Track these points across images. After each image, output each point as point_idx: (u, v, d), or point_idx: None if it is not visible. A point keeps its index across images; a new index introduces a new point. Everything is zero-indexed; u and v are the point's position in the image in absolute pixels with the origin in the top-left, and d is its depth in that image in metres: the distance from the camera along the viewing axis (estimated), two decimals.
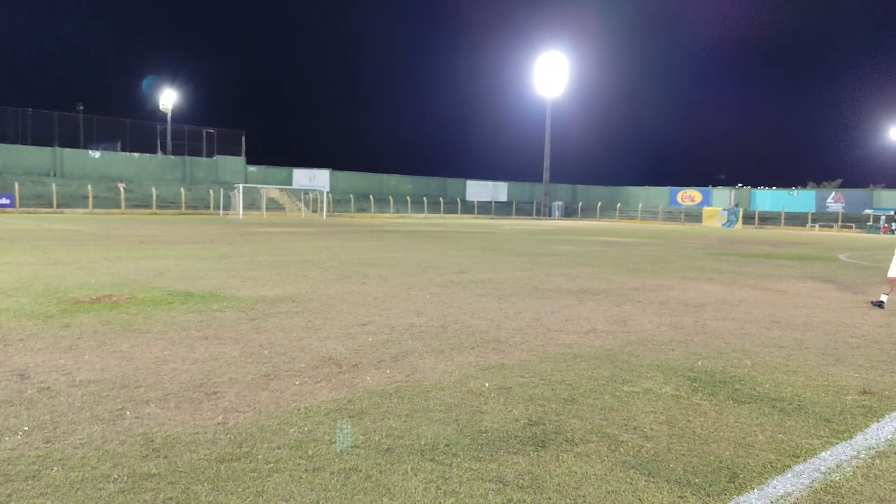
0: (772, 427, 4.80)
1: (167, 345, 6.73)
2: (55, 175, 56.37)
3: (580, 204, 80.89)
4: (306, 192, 63.95)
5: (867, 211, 65.69)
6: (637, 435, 4.54)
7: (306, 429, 4.47)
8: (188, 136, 65.95)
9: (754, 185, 78.85)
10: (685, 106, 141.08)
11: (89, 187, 52.30)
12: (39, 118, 58.89)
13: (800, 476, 3.96)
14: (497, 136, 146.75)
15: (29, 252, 16.13)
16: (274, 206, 61.04)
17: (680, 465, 4.07)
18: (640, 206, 77.71)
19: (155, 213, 50.76)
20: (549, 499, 3.56)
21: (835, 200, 69.45)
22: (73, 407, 4.77)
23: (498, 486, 3.67)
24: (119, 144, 63.14)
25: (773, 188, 77.33)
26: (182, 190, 57.52)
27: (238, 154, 67.03)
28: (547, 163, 78.70)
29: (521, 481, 3.75)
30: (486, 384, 5.64)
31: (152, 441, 4.18)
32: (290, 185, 66.73)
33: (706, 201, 77.81)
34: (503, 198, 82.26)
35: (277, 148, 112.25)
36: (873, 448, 4.46)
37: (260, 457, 3.98)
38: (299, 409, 4.86)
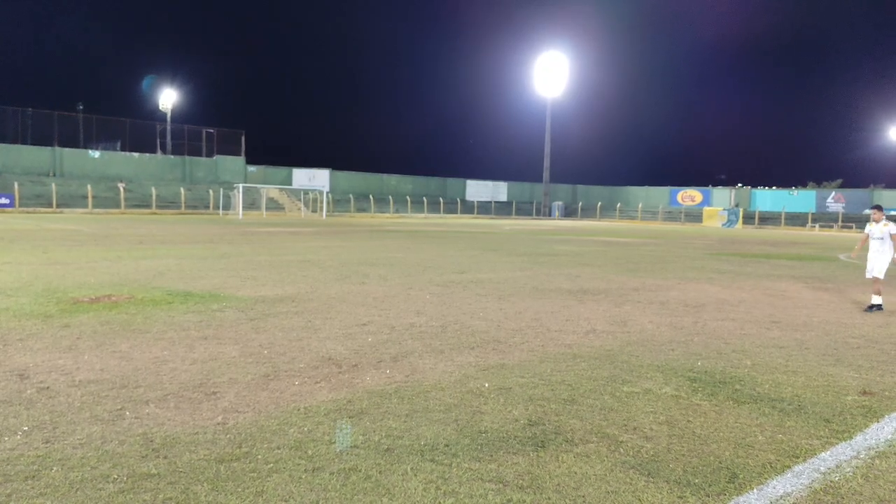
0: (772, 427, 4.80)
1: (167, 345, 6.73)
2: (55, 175, 56.36)
3: (580, 204, 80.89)
4: (306, 191, 63.94)
5: (867, 211, 65.64)
6: (637, 435, 4.54)
7: (306, 429, 4.47)
8: (188, 136, 65.94)
9: (754, 185, 78.90)
10: (685, 106, 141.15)
11: (89, 187, 52.30)
12: (39, 118, 58.90)
13: (799, 476, 3.96)
14: (497, 136, 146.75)
15: (28, 252, 16.13)
16: (274, 205, 61.04)
17: (680, 465, 4.06)
18: (640, 206, 77.70)
19: (155, 213, 50.76)
20: (549, 499, 3.56)
21: (835, 200, 69.45)
22: (72, 407, 4.77)
23: (498, 487, 3.67)
24: (119, 144, 63.12)
25: (774, 188, 77.34)
26: (182, 190, 57.52)
27: (238, 154, 67.01)
28: (547, 163, 78.74)
29: (520, 481, 3.75)
30: (486, 384, 5.63)
31: (152, 441, 4.18)
32: (290, 184, 66.71)
33: (706, 201, 77.81)
34: (503, 198, 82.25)
35: (277, 148, 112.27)
36: (873, 448, 4.46)
37: (260, 457, 3.98)
38: (299, 410, 4.86)
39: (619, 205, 79.94)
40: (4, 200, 47.60)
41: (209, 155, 66.27)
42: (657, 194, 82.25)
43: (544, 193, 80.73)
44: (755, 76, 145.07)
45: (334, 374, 5.86)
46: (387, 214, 65.18)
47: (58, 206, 49.71)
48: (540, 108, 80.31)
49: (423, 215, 67.29)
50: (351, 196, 67.38)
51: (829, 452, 4.36)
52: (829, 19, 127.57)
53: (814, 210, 69.04)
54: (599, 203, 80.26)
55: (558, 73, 75.15)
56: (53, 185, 51.75)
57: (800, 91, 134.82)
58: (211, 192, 58.55)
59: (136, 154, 62.32)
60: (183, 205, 55.97)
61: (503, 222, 55.79)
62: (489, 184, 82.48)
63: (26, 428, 4.34)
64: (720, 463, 4.12)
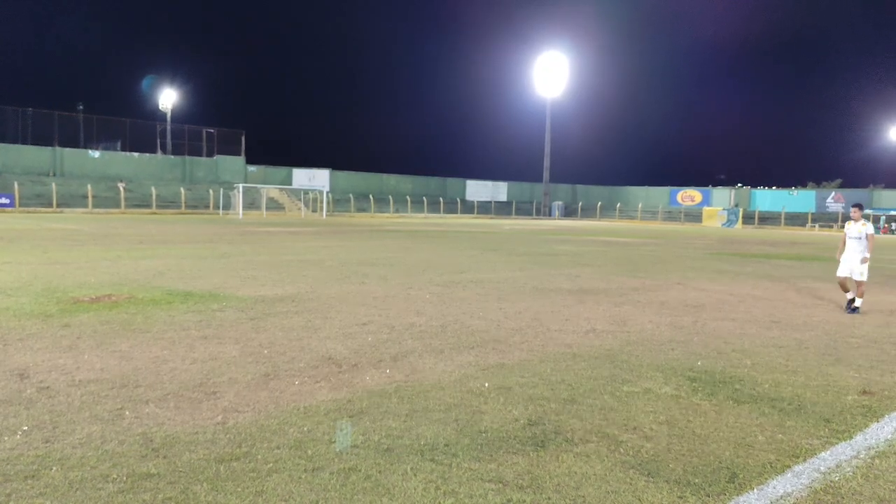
0: (771, 427, 4.80)
1: (167, 344, 6.73)
2: (55, 175, 56.32)
3: (580, 204, 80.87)
4: (306, 191, 63.92)
5: (867, 211, 65.69)
6: (637, 435, 4.54)
7: (306, 429, 4.47)
8: (188, 136, 65.91)
9: (754, 185, 78.88)
10: (685, 106, 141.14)
11: (89, 187, 52.28)
12: (39, 118, 58.86)
13: (799, 476, 3.96)
14: (497, 136, 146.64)
15: (29, 252, 16.12)
16: (274, 205, 61.02)
17: (680, 465, 4.06)
18: (639, 206, 77.69)
19: (155, 213, 50.75)
20: (549, 499, 3.56)
21: (835, 200, 69.41)
22: (72, 407, 4.77)
23: (498, 486, 3.67)
24: (119, 144, 63.08)
25: (773, 188, 77.33)
26: (182, 190, 57.50)
27: (238, 154, 66.98)
28: (547, 163, 78.74)
29: (520, 481, 3.75)
30: (486, 384, 5.63)
31: (151, 441, 4.17)
32: (290, 184, 66.68)
33: (706, 201, 77.79)
34: (503, 198, 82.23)
35: (277, 148, 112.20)
36: (873, 448, 4.46)
37: (259, 457, 3.98)
38: (299, 409, 4.86)
39: (618, 205, 79.92)
40: (4, 200, 47.59)
41: (209, 155, 66.25)
42: (657, 194, 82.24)
43: (544, 193, 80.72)
44: (755, 76, 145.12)
45: (334, 373, 5.86)
46: (387, 214, 65.17)
47: (58, 205, 49.70)
48: (540, 108, 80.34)
49: (423, 215, 67.28)
50: (351, 196, 67.36)
51: (829, 452, 4.36)
52: (829, 19, 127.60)
53: (813, 210, 69.03)
54: (599, 203, 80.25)
55: (558, 73, 75.14)
56: (53, 184, 51.74)
57: (800, 91, 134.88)
58: (211, 191, 58.54)
59: (136, 154, 62.30)
60: (183, 205, 55.96)
61: (503, 222, 55.78)
62: (489, 184, 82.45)
63: (26, 428, 4.34)
64: (720, 463, 4.12)
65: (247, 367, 5.99)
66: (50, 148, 57.93)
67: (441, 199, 73.73)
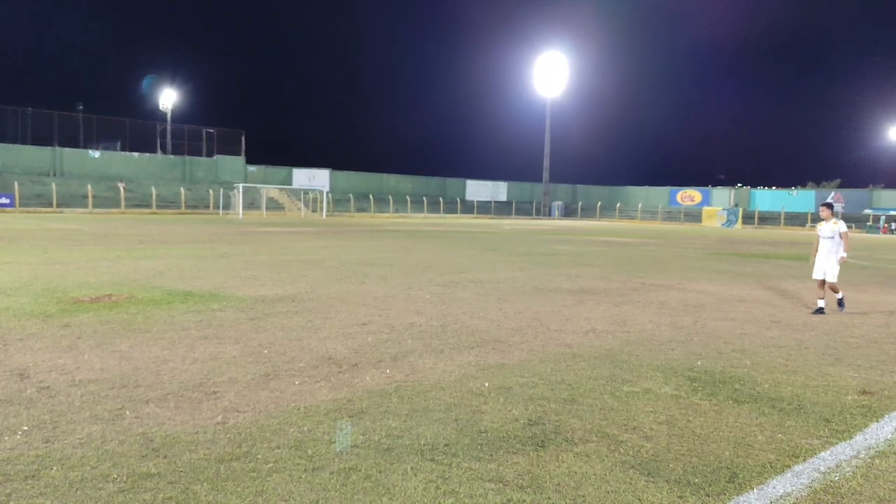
0: (771, 427, 4.80)
1: (167, 344, 6.73)
2: (55, 175, 56.30)
3: (580, 204, 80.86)
4: (306, 191, 63.90)
5: (867, 211, 65.67)
6: (637, 435, 4.54)
7: (306, 429, 4.47)
8: (188, 136, 65.88)
9: (754, 185, 78.89)
10: (685, 106, 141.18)
11: (89, 187, 52.26)
12: (39, 118, 58.84)
13: (799, 476, 3.96)
14: (497, 136, 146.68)
15: (29, 251, 16.12)
16: (274, 205, 61.01)
17: (680, 465, 4.06)
18: (639, 206, 77.67)
19: (155, 213, 50.74)
20: (549, 499, 3.56)
21: (834, 200, 69.43)
22: (72, 406, 4.77)
23: (498, 486, 3.67)
24: (119, 144, 63.07)
25: (773, 188, 77.34)
26: (182, 190, 57.48)
27: (238, 154, 66.96)
28: (547, 163, 78.71)
29: (520, 481, 3.75)
30: (486, 384, 5.64)
31: (152, 441, 4.18)
32: (290, 184, 66.66)
33: (706, 201, 77.79)
34: (503, 198, 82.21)
35: (277, 147, 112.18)
36: (873, 448, 4.46)
37: (259, 457, 3.98)
38: (299, 409, 4.86)
39: (618, 205, 79.91)
40: (4, 200, 47.58)
41: (209, 155, 66.24)
42: (657, 194, 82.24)
43: (544, 193, 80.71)
44: (755, 76, 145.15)
45: (334, 373, 5.86)
46: (386, 214, 65.16)
47: (58, 205, 49.69)
48: (540, 108, 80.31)
49: (422, 215, 67.28)
50: (351, 196, 67.35)
51: (828, 452, 4.36)
52: (829, 19, 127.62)
53: (813, 210, 68.93)
54: (599, 203, 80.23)
55: (558, 73, 75.12)
56: (53, 184, 51.73)
57: (799, 91, 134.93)
58: (211, 191, 58.52)
59: (136, 154, 62.28)
60: (183, 205, 55.95)
61: (503, 222, 55.78)
62: (489, 184, 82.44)
63: (26, 427, 4.34)
64: (720, 463, 4.12)
65: (247, 367, 5.99)
66: (50, 148, 57.91)
67: (441, 199, 73.72)
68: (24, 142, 57.45)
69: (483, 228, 40.31)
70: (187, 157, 65.05)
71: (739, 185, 79.91)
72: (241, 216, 48.24)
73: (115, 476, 3.66)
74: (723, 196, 77.67)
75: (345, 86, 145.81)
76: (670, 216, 74.27)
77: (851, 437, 4.65)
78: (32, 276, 11.47)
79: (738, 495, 3.68)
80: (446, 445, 4.23)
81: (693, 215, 71.97)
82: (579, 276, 14.06)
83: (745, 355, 7.06)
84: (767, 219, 67.71)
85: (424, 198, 73.13)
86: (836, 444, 4.52)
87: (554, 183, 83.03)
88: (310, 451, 4.08)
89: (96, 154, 60.05)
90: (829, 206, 10.42)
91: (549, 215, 79.29)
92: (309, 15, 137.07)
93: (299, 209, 61.39)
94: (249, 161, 67.86)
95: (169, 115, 67.95)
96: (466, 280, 12.83)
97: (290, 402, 5.01)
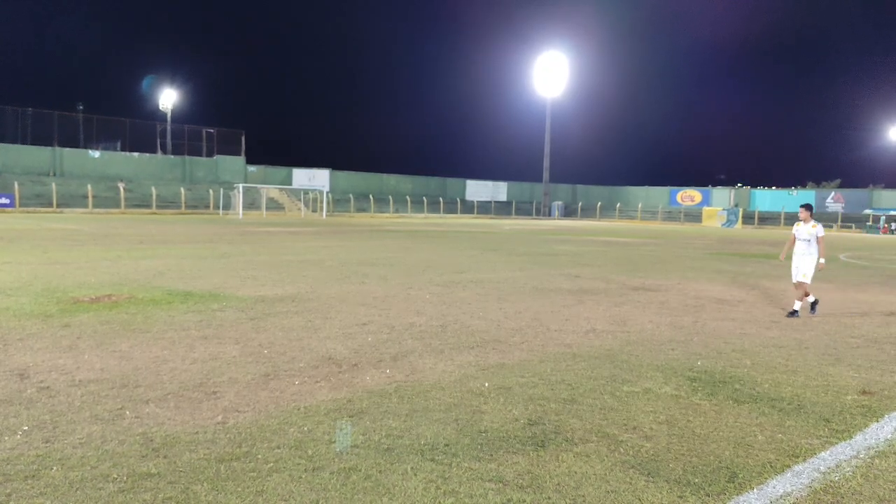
0: (771, 427, 4.80)
1: (167, 344, 6.73)
2: (55, 175, 56.31)
3: (580, 204, 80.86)
4: (306, 191, 63.91)
5: (867, 211, 65.67)
6: (637, 435, 4.54)
7: (306, 429, 4.47)
8: (188, 136, 65.88)
9: (754, 185, 78.88)
10: (685, 106, 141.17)
11: (89, 187, 52.26)
12: (39, 118, 58.84)
13: (799, 476, 3.96)
14: (497, 136, 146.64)
15: (29, 252, 16.12)
16: (274, 205, 61.01)
17: (680, 465, 4.07)
18: (639, 206, 77.67)
19: (155, 213, 50.75)
20: (549, 499, 3.56)
21: (834, 200, 69.43)
22: (72, 406, 4.77)
23: (498, 486, 3.67)
24: (119, 144, 63.06)
25: (773, 188, 77.34)
26: (182, 190, 57.48)
27: (238, 154, 66.95)
28: (547, 163, 78.72)
29: (520, 481, 3.75)
30: (486, 384, 5.64)
31: (152, 441, 4.18)
32: (290, 184, 66.66)
33: (706, 201, 77.80)
34: (503, 198, 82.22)
35: (277, 147, 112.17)
36: (873, 448, 4.46)
37: (259, 457, 3.98)
38: (299, 409, 4.86)
39: (618, 205, 79.91)
40: (4, 200, 47.57)
41: (209, 155, 66.24)
42: (657, 194, 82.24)
43: (544, 193, 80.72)
44: (755, 76, 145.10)
45: (334, 373, 5.86)
46: (386, 214, 65.17)
47: (58, 205, 49.69)
48: (540, 108, 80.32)
49: (422, 215, 67.28)
50: (351, 196, 67.35)
51: (828, 452, 4.36)
52: (829, 19, 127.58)
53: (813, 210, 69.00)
54: (599, 203, 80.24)
55: (558, 73, 75.13)
56: (53, 184, 51.73)
57: (800, 91, 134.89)
58: (211, 191, 58.52)
59: (136, 154, 62.28)
60: (183, 205, 55.95)
61: (503, 222, 55.78)
62: (489, 184, 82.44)
63: (26, 427, 4.34)
64: (720, 462, 4.12)
65: (247, 367, 5.99)
66: (50, 148, 57.90)
67: (441, 199, 73.72)
68: (24, 142, 57.46)
69: (483, 228, 40.31)
70: (187, 157, 65.04)
71: (739, 185, 79.94)
72: (241, 216, 48.24)
73: (115, 476, 3.66)
74: (723, 196, 77.67)
75: (345, 86, 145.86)
76: (670, 216, 74.27)
77: (851, 437, 4.65)
78: (32, 276, 11.47)
79: (738, 495, 3.68)
80: (446, 445, 4.23)
81: (693, 215, 71.97)
82: (579, 276, 14.06)
83: (745, 355, 7.06)
84: (767, 219, 67.71)
85: (424, 198, 73.13)
86: (836, 444, 4.52)
87: (554, 183, 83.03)
88: (310, 451, 4.08)
89: (96, 154, 60.05)
90: (809, 207, 10.16)
91: (549, 215, 79.28)
92: (309, 15, 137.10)
93: (299, 209, 61.39)
94: (249, 161, 67.87)
95: (169, 115, 67.98)
96: (466, 280, 12.83)
97: (290, 402, 5.01)
